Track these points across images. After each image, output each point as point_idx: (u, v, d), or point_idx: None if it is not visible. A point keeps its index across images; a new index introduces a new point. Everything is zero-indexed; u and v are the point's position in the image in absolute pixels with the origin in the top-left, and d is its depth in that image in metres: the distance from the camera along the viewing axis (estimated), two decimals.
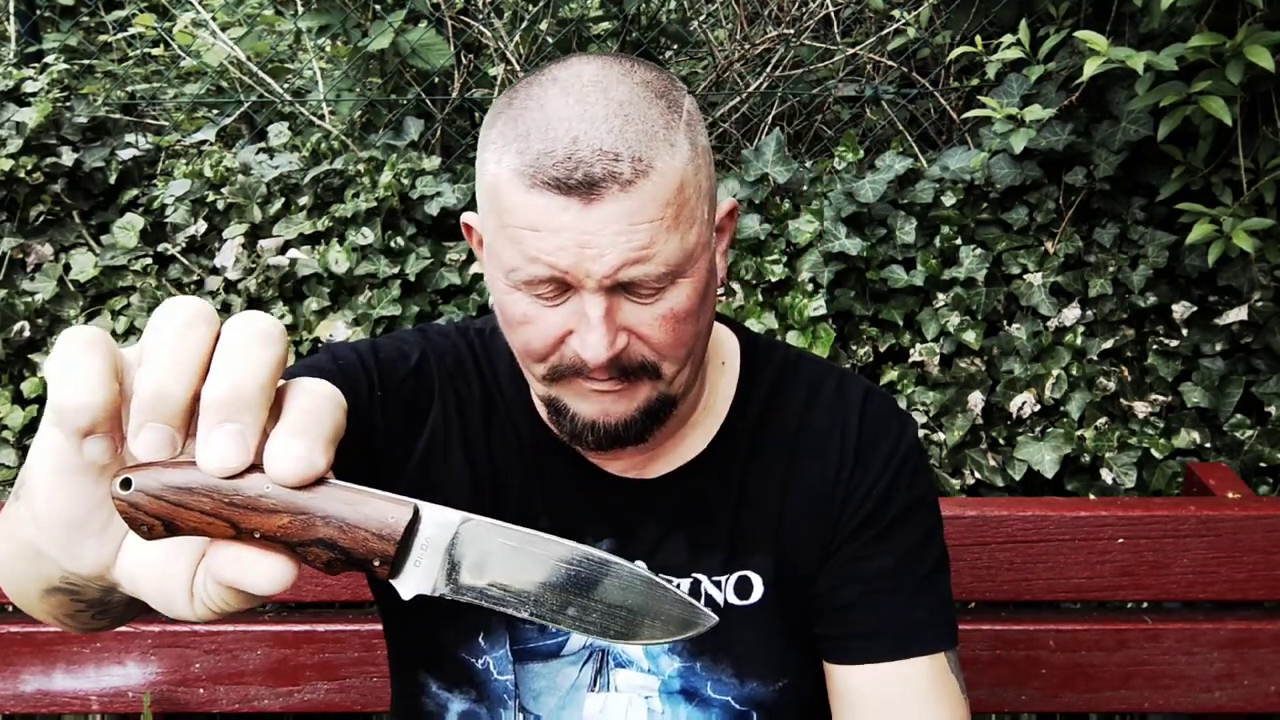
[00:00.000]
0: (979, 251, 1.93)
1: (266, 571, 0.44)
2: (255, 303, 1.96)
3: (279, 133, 2.11)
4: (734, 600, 0.92)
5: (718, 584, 0.92)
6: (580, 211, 0.75)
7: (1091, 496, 1.85)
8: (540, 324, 0.80)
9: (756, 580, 0.93)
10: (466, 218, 0.90)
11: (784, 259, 1.94)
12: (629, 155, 0.74)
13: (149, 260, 2.01)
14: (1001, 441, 1.90)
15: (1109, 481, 1.84)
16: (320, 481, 0.44)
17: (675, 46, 2.42)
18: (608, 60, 0.81)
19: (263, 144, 2.12)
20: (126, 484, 0.44)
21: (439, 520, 0.46)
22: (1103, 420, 1.88)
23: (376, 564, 0.45)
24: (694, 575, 0.92)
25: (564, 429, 0.85)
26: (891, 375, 1.91)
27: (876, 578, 0.91)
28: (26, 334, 1.97)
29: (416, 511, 0.45)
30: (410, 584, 0.46)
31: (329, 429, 0.44)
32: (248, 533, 0.44)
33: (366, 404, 0.89)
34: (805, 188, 2.02)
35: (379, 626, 1.35)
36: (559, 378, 0.83)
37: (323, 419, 0.44)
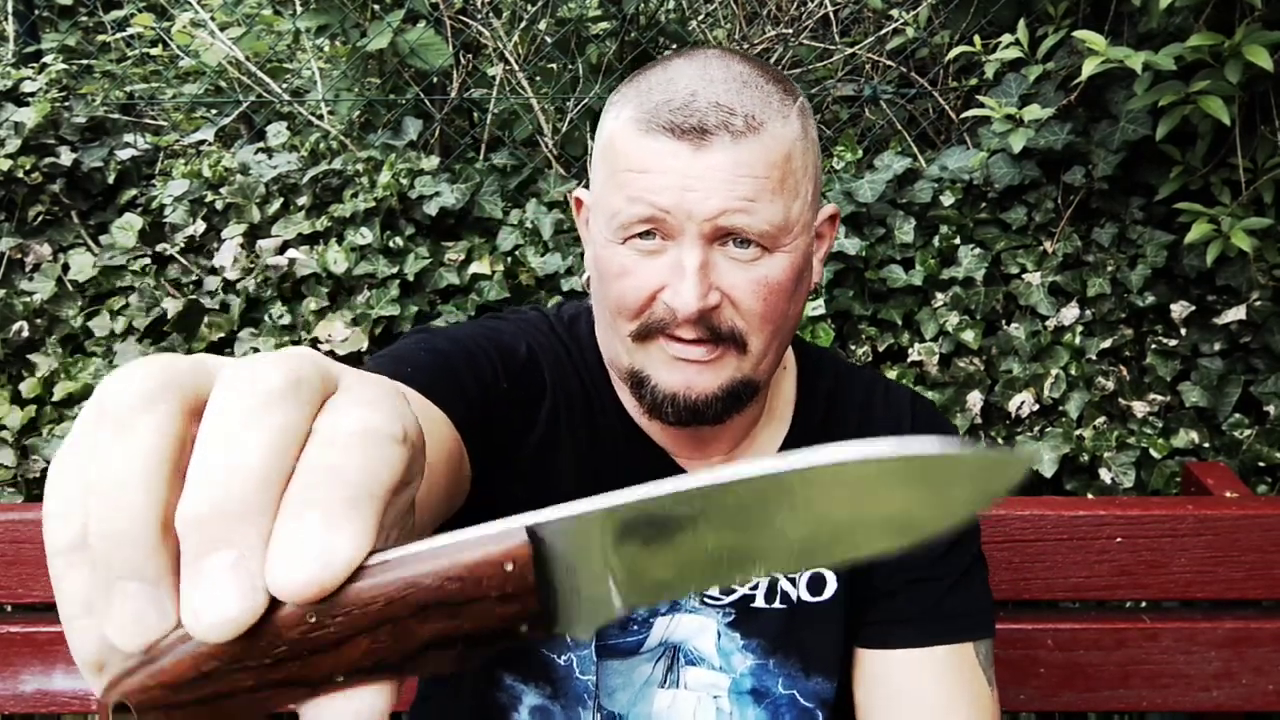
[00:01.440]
0: (978, 251, 1.93)
1: (355, 716, 0.29)
2: (254, 303, 1.96)
3: (277, 133, 2.11)
4: (806, 597, 0.94)
5: (792, 580, 0.94)
6: (690, 156, 0.77)
7: (1090, 496, 1.85)
8: (636, 276, 0.81)
9: (830, 577, 0.95)
10: (577, 192, 0.92)
11: None
12: (743, 112, 0.77)
13: (148, 260, 2.00)
14: (1000, 441, 1.91)
15: (1107, 481, 1.84)
16: (364, 568, 0.28)
17: (674, 46, 2.42)
18: (733, 49, 0.85)
19: (261, 144, 2.12)
20: (122, 709, 0.28)
21: (569, 526, 0.30)
22: (1101, 420, 1.88)
23: (523, 629, 0.30)
24: (772, 573, 0.93)
25: (644, 401, 0.85)
26: (890, 375, 1.91)
27: (920, 566, 0.95)
28: (25, 334, 1.97)
29: (533, 534, 0.30)
30: (584, 624, 0.31)
31: (374, 482, 0.29)
32: (326, 682, 0.28)
33: (491, 387, 0.85)
34: None
35: None
36: (647, 336, 0.83)
37: (364, 465, 0.29)
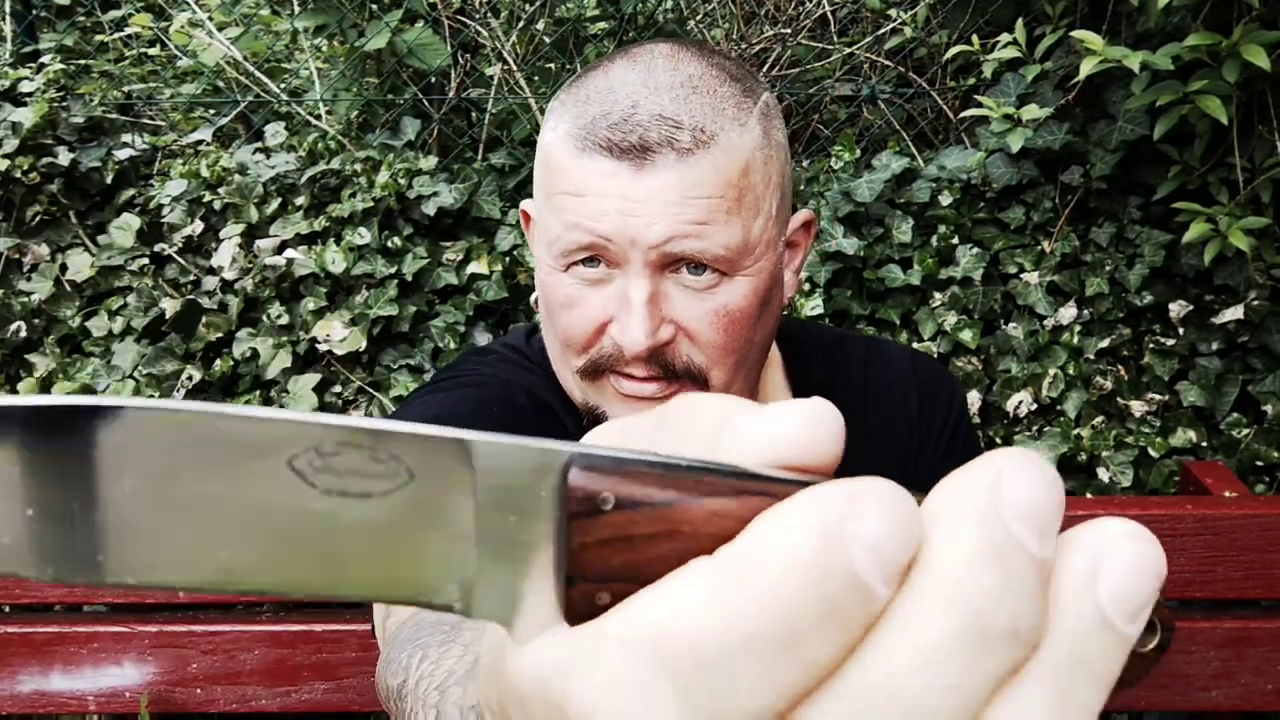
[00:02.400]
0: (976, 251, 1.94)
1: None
2: (252, 303, 1.96)
3: (276, 132, 2.11)
4: None
5: None
6: (630, 178, 0.68)
7: (1088, 495, 1.85)
8: (582, 308, 0.73)
9: None
10: (524, 205, 0.84)
11: None
12: (691, 124, 0.69)
13: (146, 260, 2.00)
14: (999, 441, 1.91)
15: (1106, 480, 1.84)
16: None
17: None
18: (686, 42, 0.76)
19: (259, 144, 2.12)
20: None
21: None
22: (1099, 419, 1.88)
23: None
24: None
25: None
26: None
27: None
28: (23, 334, 1.97)
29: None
30: None
31: None
32: None
33: None
34: (802, 187, 2.02)
35: None
36: (597, 373, 0.76)
37: None
